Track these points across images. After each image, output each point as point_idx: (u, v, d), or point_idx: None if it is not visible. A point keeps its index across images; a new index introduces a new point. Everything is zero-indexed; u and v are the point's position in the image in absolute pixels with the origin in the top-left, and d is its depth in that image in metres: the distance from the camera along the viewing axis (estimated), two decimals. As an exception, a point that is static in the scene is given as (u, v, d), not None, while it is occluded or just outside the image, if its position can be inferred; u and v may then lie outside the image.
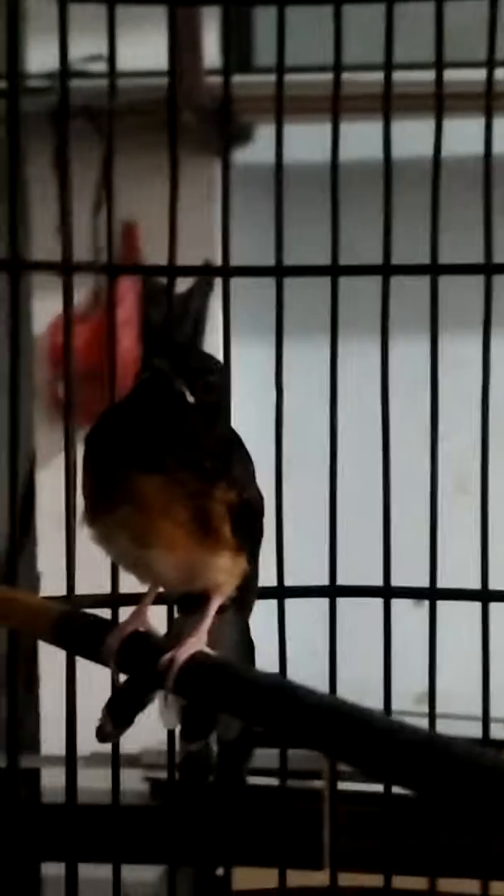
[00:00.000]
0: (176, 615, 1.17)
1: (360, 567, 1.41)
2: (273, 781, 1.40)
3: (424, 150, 1.38)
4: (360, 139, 1.63)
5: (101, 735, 1.10)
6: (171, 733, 1.32)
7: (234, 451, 1.02)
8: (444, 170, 1.36)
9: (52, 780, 2.67)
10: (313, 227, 1.48)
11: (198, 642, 0.97)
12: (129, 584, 1.17)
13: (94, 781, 1.59)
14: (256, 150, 2.63)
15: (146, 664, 0.97)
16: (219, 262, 1.40)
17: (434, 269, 1.35)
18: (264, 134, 2.67)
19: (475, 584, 1.38)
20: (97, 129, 2.35)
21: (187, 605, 1.10)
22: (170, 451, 0.96)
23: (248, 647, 1.13)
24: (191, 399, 0.96)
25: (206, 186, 2.57)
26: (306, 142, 1.90)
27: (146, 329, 2.78)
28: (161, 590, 1.08)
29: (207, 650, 0.97)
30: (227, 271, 1.37)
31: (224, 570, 1.01)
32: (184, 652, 0.96)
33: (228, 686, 0.90)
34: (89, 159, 2.21)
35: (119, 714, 1.08)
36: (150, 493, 0.96)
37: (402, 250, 1.37)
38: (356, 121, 1.63)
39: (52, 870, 2.71)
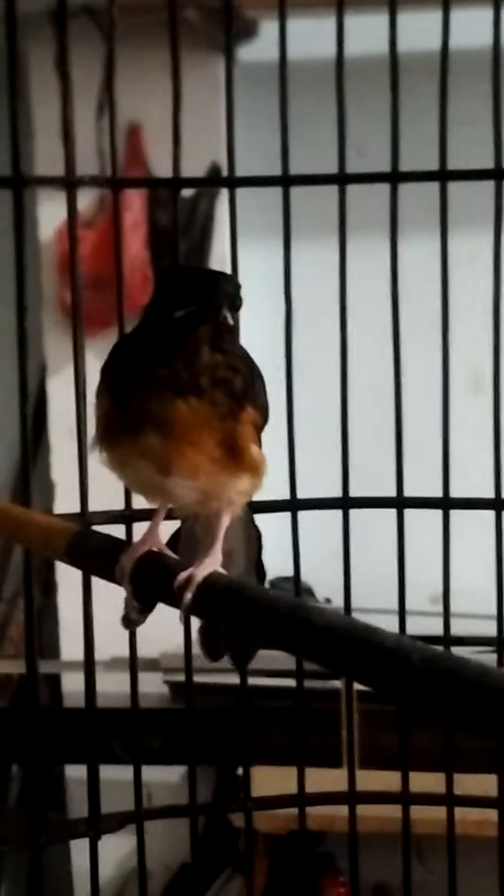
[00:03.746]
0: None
1: (372, 472, 1.41)
2: (291, 682, 1.42)
3: (433, 44, 1.35)
4: (366, 32, 1.60)
5: (127, 622, 1.10)
6: (188, 636, 1.34)
7: (253, 368, 1.01)
8: (453, 63, 1.33)
9: (73, 685, 2.71)
10: (319, 122, 1.45)
11: (213, 562, 0.97)
12: (143, 499, 1.16)
13: (113, 686, 1.61)
14: (261, 47, 2.57)
15: (161, 584, 0.97)
16: (224, 161, 1.38)
17: (443, 176, 1.33)
18: (269, 29, 2.62)
19: (489, 486, 1.38)
20: (98, 29, 2.30)
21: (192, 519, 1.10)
22: (204, 373, 0.95)
23: (255, 568, 1.13)
24: (231, 322, 0.95)
25: (210, 84, 2.52)
26: (311, 36, 1.86)
27: (154, 236, 2.74)
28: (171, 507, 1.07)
29: (221, 570, 0.97)
30: (233, 182, 1.35)
31: (241, 492, 1.01)
32: (201, 572, 0.95)
33: (242, 607, 0.90)
34: (91, 59, 2.17)
35: (143, 598, 1.08)
36: (182, 415, 0.94)
37: (410, 144, 1.34)
38: (362, 13, 1.59)
39: (75, 772, 2.76)
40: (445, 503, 1.38)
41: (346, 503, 1.39)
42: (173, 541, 1.12)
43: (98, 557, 1.04)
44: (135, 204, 2.72)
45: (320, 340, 1.46)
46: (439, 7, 1.34)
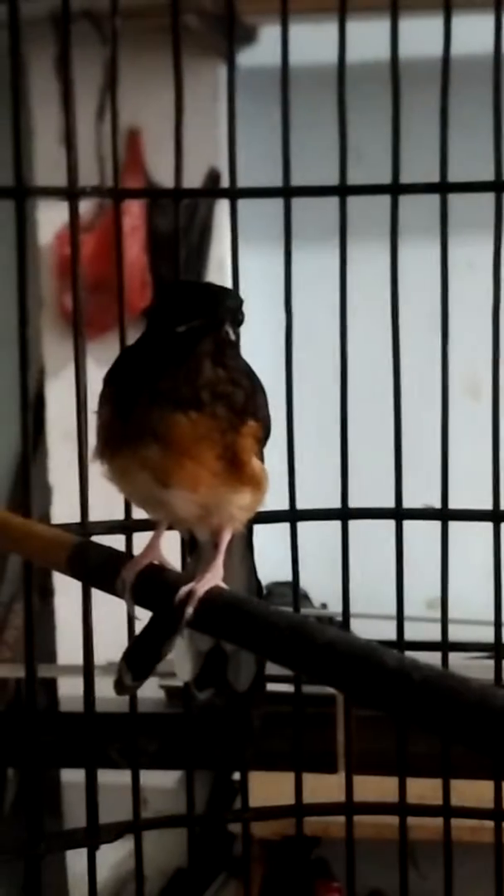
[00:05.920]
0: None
1: (371, 479, 1.41)
2: (288, 687, 1.42)
3: (434, 50, 1.35)
4: (366, 38, 1.60)
5: (120, 688, 1.10)
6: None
7: (255, 382, 1.01)
8: (454, 70, 1.34)
9: (69, 689, 2.71)
10: (319, 127, 1.45)
11: (214, 577, 0.97)
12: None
13: (110, 690, 1.61)
14: (260, 52, 2.57)
15: (162, 598, 0.97)
16: (224, 166, 1.38)
17: (444, 188, 1.34)
18: (268, 35, 2.62)
19: (487, 491, 1.38)
20: (98, 32, 2.30)
21: (194, 543, 1.10)
22: (205, 387, 0.95)
23: (255, 586, 1.13)
24: (233, 338, 0.95)
25: (209, 89, 2.53)
26: (312, 42, 1.86)
27: (153, 240, 2.74)
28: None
29: (223, 585, 0.97)
30: (234, 193, 1.35)
31: (242, 507, 1.00)
32: (202, 585, 0.95)
33: (243, 623, 0.90)
34: (91, 63, 2.17)
35: (137, 666, 1.08)
36: (182, 429, 0.94)
37: (410, 149, 1.34)
38: (362, 19, 1.59)
39: (71, 776, 2.76)
40: (444, 515, 1.38)
41: (345, 514, 1.39)
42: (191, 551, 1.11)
43: (99, 570, 1.04)
44: (133, 209, 2.72)
45: (319, 349, 1.46)
46: (441, 13, 1.35)
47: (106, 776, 1.44)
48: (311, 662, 0.81)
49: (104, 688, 1.49)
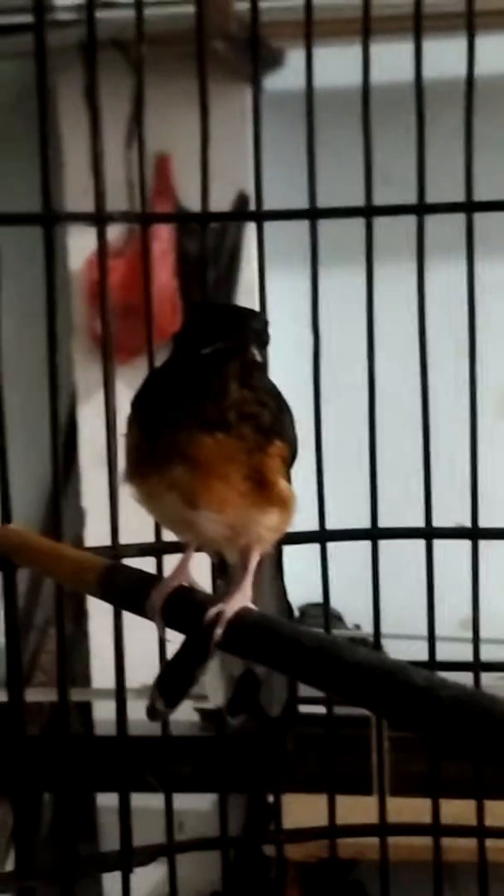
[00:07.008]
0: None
1: (400, 498, 1.41)
2: (321, 709, 1.42)
3: (457, 70, 1.36)
4: (392, 59, 1.60)
5: (152, 714, 1.10)
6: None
7: (281, 402, 1.01)
8: (478, 90, 1.34)
9: (104, 712, 2.71)
10: (345, 149, 1.46)
11: (243, 598, 0.97)
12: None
13: (144, 713, 1.61)
14: (287, 76, 2.59)
15: (191, 619, 0.97)
16: (251, 190, 1.39)
17: (469, 207, 1.34)
18: (295, 58, 2.63)
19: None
20: (126, 60, 2.32)
21: (224, 566, 1.10)
22: (232, 408, 0.96)
23: (285, 608, 1.12)
24: (260, 359, 0.96)
25: (237, 113, 2.54)
26: (337, 65, 1.87)
27: (183, 265, 2.75)
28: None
29: (251, 605, 0.97)
30: (261, 216, 1.36)
31: (270, 528, 1.00)
32: (231, 606, 0.95)
33: (272, 642, 0.90)
34: (119, 89, 2.20)
35: (169, 692, 1.08)
36: (209, 450, 0.95)
37: (436, 170, 1.35)
38: (386, 42, 1.60)
39: (107, 800, 2.75)
40: (474, 534, 1.37)
41: (374, 534, 1.39)
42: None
43: (129, 592, 1.04)
44: (163, 233, 2.73)
45: (347, 369, 1.46)
46: (464, 35, 1.35)
47: (141, 800, 1.44)
48: (341, 682, 0.81)
49: (138, 711, 1.49)
